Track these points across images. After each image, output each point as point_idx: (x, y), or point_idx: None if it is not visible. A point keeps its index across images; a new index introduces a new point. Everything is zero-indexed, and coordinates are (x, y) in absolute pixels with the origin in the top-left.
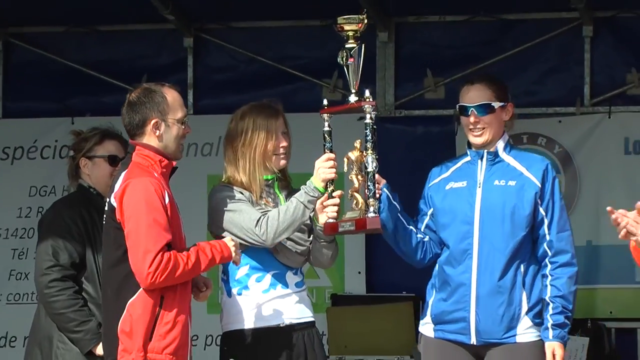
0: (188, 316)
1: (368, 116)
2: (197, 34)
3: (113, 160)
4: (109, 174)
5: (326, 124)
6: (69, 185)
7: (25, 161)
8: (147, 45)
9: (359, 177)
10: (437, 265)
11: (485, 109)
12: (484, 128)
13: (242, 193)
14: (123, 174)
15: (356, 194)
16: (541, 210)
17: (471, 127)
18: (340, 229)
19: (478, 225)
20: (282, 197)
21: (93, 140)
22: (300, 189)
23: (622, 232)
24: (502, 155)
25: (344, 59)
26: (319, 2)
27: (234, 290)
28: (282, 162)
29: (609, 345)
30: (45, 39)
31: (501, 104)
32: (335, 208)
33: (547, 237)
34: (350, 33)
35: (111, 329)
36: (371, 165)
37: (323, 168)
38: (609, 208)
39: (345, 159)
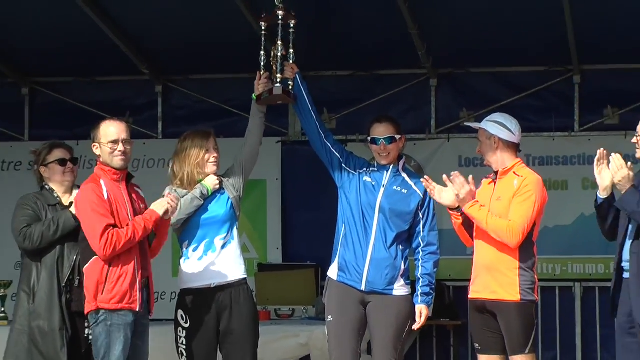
0: (133, 274)
1: (280, 22)
2: (164, 83)
3: (62, 162)
4: (62, 173)
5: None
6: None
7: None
8: (130, 90)
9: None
10: (343, 229)
11: (390, 140)
12: (389, 153)
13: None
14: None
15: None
16: (420, 213)
17: (380, 152)
18: (262, 97)
19: (378, 212)
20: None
21: (45, 152)
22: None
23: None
24: (401, 171)
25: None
26: (248, 62)
27: (181, 260)
28: (213, 168)
29: (448, 298)
30: (59, 85)
31: (399, 136)
32: (262, 87)
33: (422, 233)
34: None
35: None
36: (279, 52)
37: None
38: (425, 177)
39: (273, 48)
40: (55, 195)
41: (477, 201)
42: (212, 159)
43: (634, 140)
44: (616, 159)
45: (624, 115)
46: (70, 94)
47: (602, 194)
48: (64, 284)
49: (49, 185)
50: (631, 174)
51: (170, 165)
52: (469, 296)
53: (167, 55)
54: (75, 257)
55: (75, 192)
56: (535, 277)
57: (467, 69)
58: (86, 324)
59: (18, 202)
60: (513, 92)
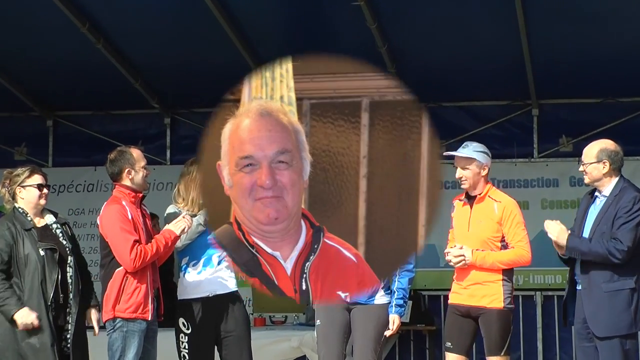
0: (147, 287)
1: None
2: (172, 115)
3: (40, 187)
4: (38, 196)
5: None
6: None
7: (66, 193)
8: (142, 122)
9: None
10: None
11: None
12: None
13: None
14: (105, 203)
15: None
16: None
17: None
18: None
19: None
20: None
21: (25, 175)
22: None
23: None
24: None
25: None
26: None
27: (182, 273)
28: None
29: (424, 305)
30: (79, 118)
31: None
32: None
33: None
34: None
35: (103, 300)
36: None
37: None
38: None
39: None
40: (29, 218)
41: (476, 250)
42: None
43: (581, 169)
44: (548, 225)
45: (577, 143)
46: (89, 125)
47: (561, 252)
48: (50, 303)
49: (22, 208)
50: (563, 227)
51: (177, 187)
52: (450, 301)
53: (175, 91)
54: (56, 277)
55: (47, 215)
56: (512, 286)
57: (439, 103)
58: (64, 336)
59: None
60: (479, 124)
